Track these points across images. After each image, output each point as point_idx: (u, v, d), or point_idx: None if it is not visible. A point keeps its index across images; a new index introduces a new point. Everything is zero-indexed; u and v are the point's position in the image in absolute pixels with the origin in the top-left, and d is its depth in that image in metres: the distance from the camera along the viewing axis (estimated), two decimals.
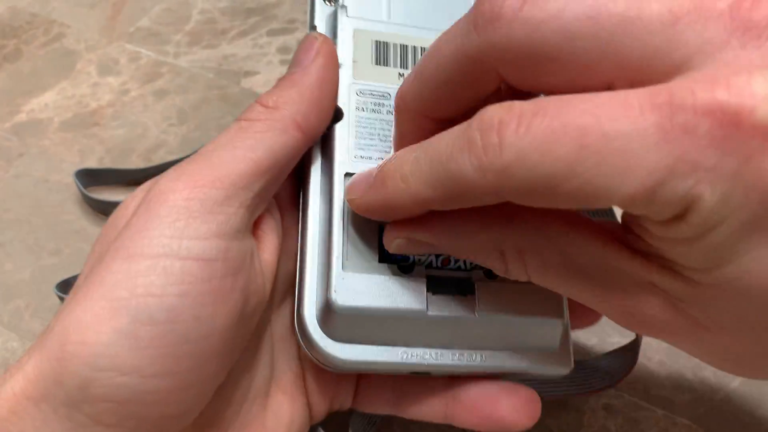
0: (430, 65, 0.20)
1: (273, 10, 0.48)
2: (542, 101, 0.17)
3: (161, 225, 0.21)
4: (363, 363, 0.23)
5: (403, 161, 0.20)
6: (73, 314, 0.20)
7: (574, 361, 0.25)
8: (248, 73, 0.44)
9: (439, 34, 0.27)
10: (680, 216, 0.16)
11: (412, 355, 0.24)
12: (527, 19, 0.17)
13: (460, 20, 0.19)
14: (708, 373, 0.33)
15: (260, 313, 0.23)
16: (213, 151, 0.22)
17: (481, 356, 0.24)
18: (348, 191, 0.23)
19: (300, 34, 0.25)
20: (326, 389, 0.26)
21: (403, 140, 0.23)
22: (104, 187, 0.39)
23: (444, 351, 0.24)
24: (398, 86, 0.25)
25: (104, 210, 0.37)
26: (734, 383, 0.33)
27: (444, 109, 0.21)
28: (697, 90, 0.15)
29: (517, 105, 0.17)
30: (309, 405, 0.26)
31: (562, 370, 0.25)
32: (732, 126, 0.15)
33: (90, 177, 0.38)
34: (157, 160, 0.40)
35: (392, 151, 0.25)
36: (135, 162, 0.40)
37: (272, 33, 0.46)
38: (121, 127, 0.41)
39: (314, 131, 0.24)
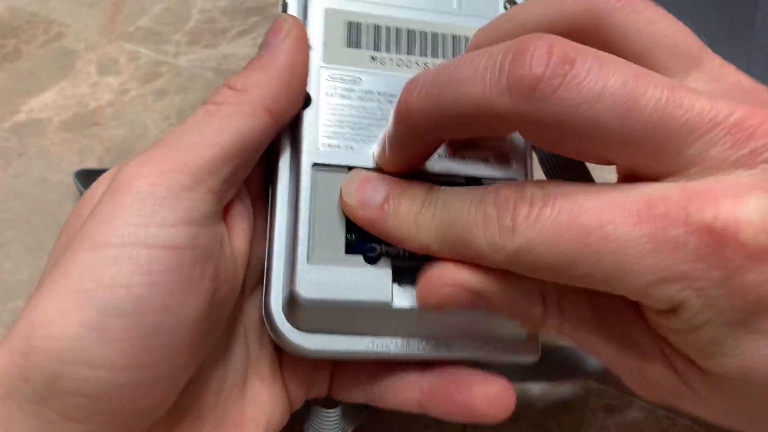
0: (448, 96, 0.20)
1: (273, 9, 0.48)
2: (552, 190, 0.18)
3: (127, 213, 0.20)
4: (330, 352, 0.23)
5: (415, 198, 0.21)
6: (38, 308, 0.20)
7: (564, 347, 0.25)
8: None
9: (416, 14, 0.26)
10: (671, 311, 0.18)
11: (378, 345, 0.24)
12: (562, 99, 0.17)
13: (490, 60, 0.18)
14: None
15: (233, 301, 0.23)
16: (180, 136, 0.22)
17: (448, 345, 0.24)
18: (346, 195, 0.23)
19: None
20: (302, 376, 0.26)
21: (400, 147, 0.22)
22: None
23: (411, 340, 0.24)
24: (370, 70, 0.25)
25: None
26: None
27: (453, 134, 0.22)
28: (690, 208, 0.17)
29: (529, 191, 0.19)
30: (287, 392, 0.26)
31: (529, 359, 0.25)
32: (718, 246, 0.17)
33: (90, 178, 0.38)
34: None
35: (370, 142, 0.24)
36: None
37: None
38: (121, 127, 0.41)
39: (283, 115, 0.23)
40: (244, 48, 0.45)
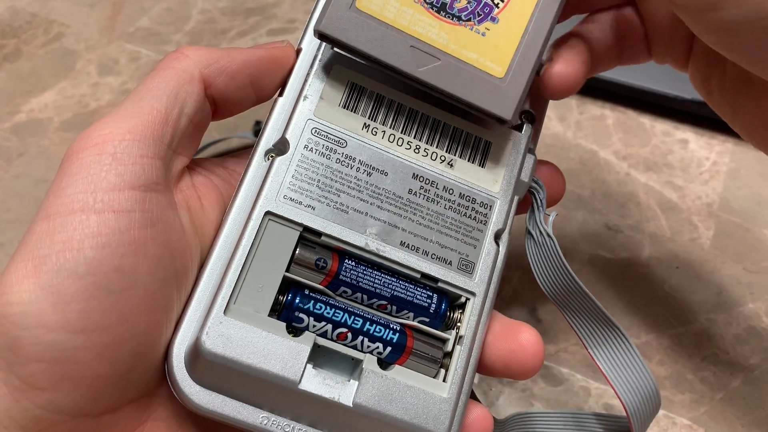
0: None
1: (273, 9, 0.48)
2: None
3: (74, 182, 0.21)
4: (219, 415, 0.21)
5: None
6: (1, 278, 0.20)
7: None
8: None
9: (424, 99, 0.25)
10: None
11: (272, 423, 0.22)
12: None
13: None
14: (708, 373, 0.33)
15: (194, 272, 0.23)
16: (122, 106, 0.22)
17: None
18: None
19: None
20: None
21: None
22: None
23: (309, 430, 0.22)
24: (358, 136, 0.24)
25: None
26: (734, 383, 0.33)
27: None
28: None
29: None
30: None
31: None
32: None
33: None
34: None
35: (334, 209, 0.23)
36: None
37: (272, 33, 0.46)
38: None
39: (219, 91, 0.24)
40: None
